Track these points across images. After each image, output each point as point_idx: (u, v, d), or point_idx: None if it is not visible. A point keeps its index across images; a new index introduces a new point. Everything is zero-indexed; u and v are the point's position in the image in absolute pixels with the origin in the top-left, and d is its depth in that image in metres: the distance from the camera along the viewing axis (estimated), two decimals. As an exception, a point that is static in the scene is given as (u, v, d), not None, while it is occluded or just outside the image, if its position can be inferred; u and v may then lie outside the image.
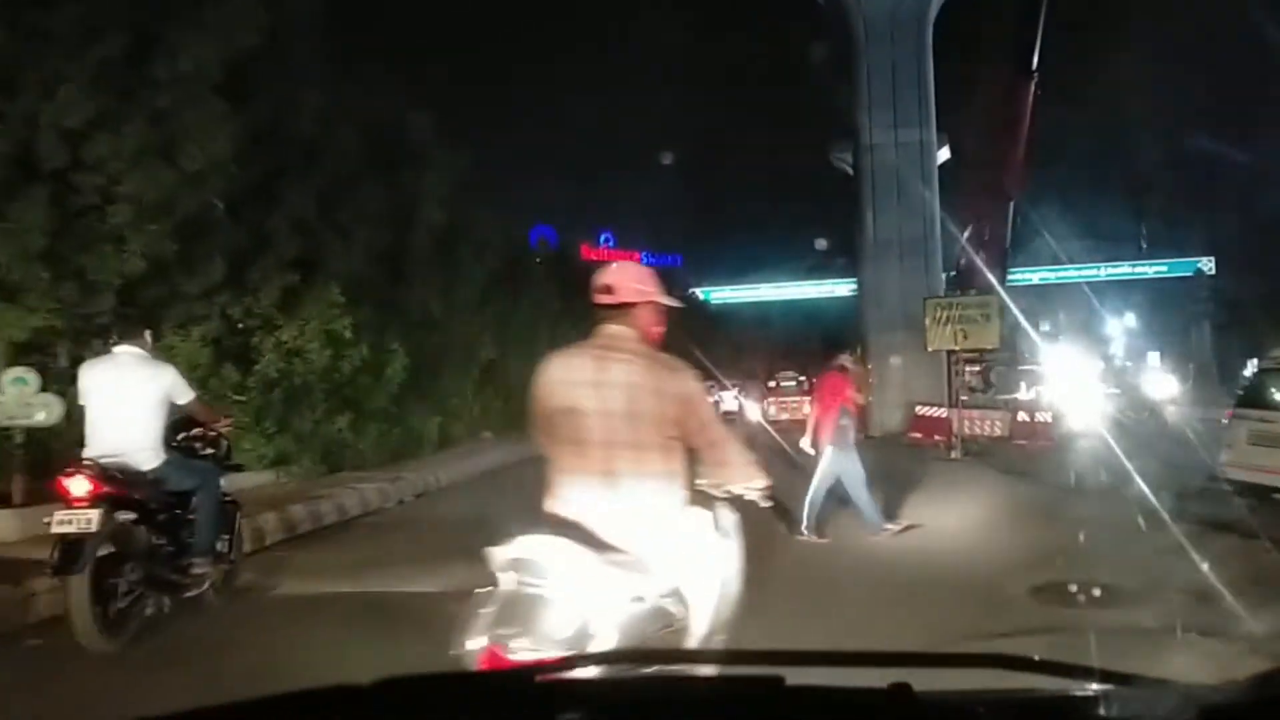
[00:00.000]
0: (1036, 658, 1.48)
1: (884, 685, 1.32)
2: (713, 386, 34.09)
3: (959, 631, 6.54)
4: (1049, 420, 22.70)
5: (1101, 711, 1.39)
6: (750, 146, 75.97)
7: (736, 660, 1.77)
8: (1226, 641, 6.14)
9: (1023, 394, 27.39)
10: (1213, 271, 46.90)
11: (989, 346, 22.20)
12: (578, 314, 32.88)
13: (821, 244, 48.46)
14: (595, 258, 64.08)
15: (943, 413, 23.53)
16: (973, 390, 29.48)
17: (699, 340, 43.59)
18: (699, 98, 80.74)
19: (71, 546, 6.10)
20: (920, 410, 24.43)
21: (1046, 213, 40.86)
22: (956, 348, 20.77)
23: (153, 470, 6.78)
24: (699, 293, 56.16)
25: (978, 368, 30.12)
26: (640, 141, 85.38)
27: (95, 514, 6.19)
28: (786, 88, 58.46)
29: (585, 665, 1.60)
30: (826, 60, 33.04)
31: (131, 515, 6.58)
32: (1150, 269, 47.57)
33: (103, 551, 6.28)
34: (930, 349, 21.82)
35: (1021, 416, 23.20)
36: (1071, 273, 45.88)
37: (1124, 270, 47.76)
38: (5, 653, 6.26)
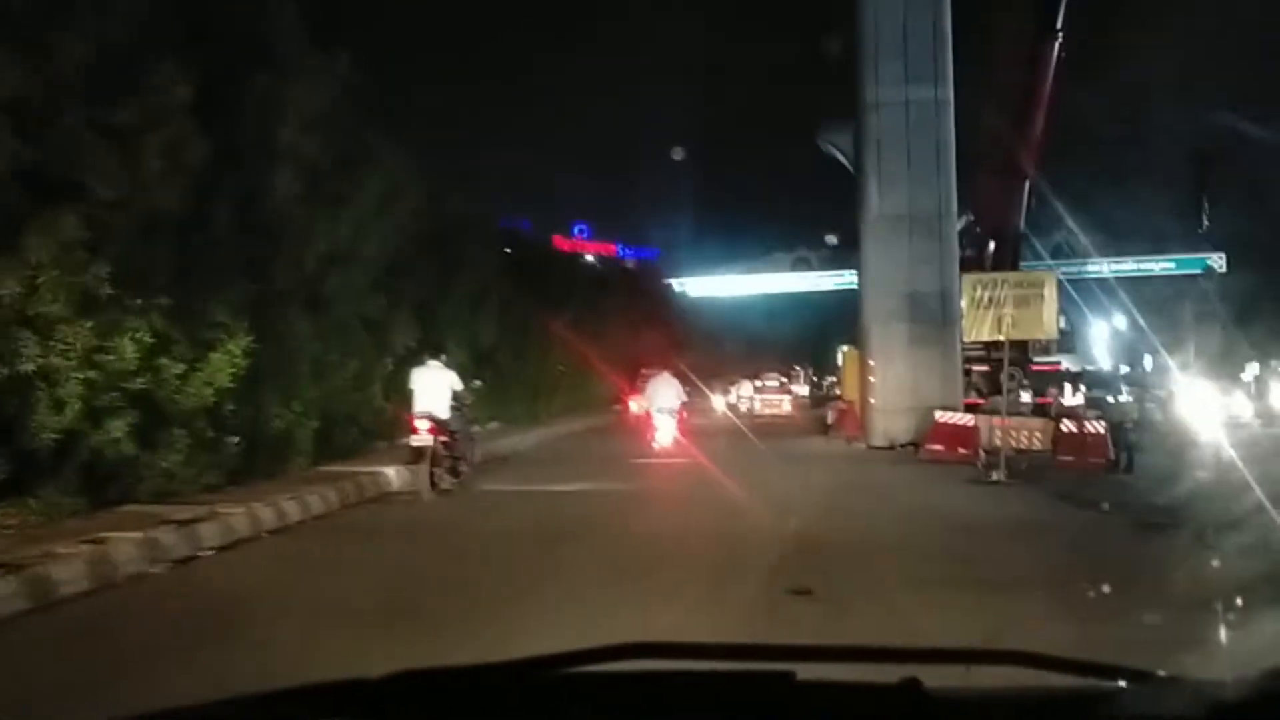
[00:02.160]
0: (1047, 654, 1.39)
1: (895, 681, 1.28)
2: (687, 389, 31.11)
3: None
4: (1101, 432, 17.24)
5: (1114, 708, 1.35)
6: (735, 136, 70.65)
7: (747, 655, 1.46)
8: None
9: (1068, 399, 21.86)
10: (1224, 269, 41.70)
11: (1043, 337, 16.75)
12: (535, 300, 27.50)
13: (832, 239, 43.24)
14: (569, 249, 58.90)
15: (970, 421, 18.10)
16: (979, 393, 24.13)
17: (676, 335, 38.95)
18: (682, 88, 75.41)
19: (419, 451, 12.64)
20: (941, 417, 18.94)
21: (1054, 201, 35.74)
22: (1003, 337, 15.28)
23: (446, 419, 12.98)
24: (675, 285, 50.73)
25: (985, 366, 24.73)
26: (622, 134, 79.93)
27: (430, 437, 12.65)
28: (776, 66, 53.03)
29: (595, 658, 1.34)
30: (822, 18, 27.78)
31: (442, 439, 12.90)
32: (1158, 265, 42.34)
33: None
34: (969, 339, 16.34)
35: (1066, 426, 17.72)
36: (1074, 268, 40.48)
37: (1129, 266, 42.48)
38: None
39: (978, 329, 15.37)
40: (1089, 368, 34.44)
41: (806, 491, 14.08)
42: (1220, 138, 36.97)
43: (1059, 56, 24.54)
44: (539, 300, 27.23)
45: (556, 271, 31.02)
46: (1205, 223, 37.11)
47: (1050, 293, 14.87)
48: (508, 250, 29.58)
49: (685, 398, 20.60)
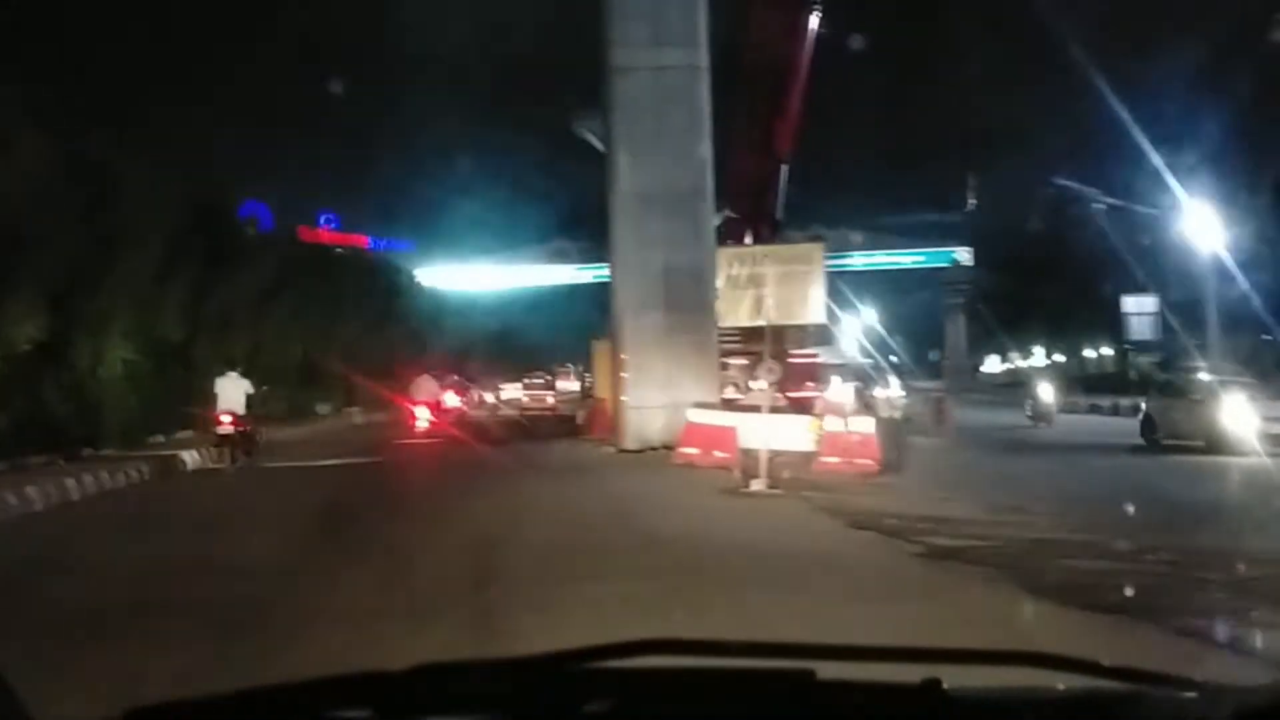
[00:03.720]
0: (1070, 656, 1.37)
1: (915, 680, 1.25)
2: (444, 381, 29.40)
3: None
4: (871, 431, 15.13)
5: (1135, 712, 1.33)
6: (494, 127, 67.16)
7: (767, 652, 1.41)
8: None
9: (834, 394, 19.63)
10: (970, 262, 41.86)
11: (809, 321, 14.32)
12: (242, 290, 23.22)
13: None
14: (315, 240, 54.08)
15: (727, 420, 15.63)
16: (736, 388, 21.92)
17: (427, 330, 35.62)
18: (431, 69, 71.17)
19: (224, 438, 16.92)
20: (695, 417, 16.38)
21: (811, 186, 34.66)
22: (763, 322, 12.77)
23: (241, 415, 16.84)
24: (424, 277, 46.99)
25: (745, 360, 22.60)
26: (375, 121, 74.70)
27: (231, 427, 16.75)
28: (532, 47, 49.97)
29: (616, 654, 1.33)
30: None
31: (240, 429, 16.95)
32: (908, 258, 42.02)
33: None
34: (724, 323, 13.72)
35: (832, 426, 15.48)
36: (831, 260, 39.49)
37: (882, 259, 41.94)
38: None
39: (735, 312, 12.84)
40: (844, 361, 33.19)
41: (527, 513, 11.10)
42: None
43: (817, 31, 22.81)
44: (247, 290, 23.17)
45: (276, 259, 26.76)
46: (972, 203, 36.82)
47: (818, 269, 12.49)
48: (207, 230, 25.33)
49: (443, 393, 27.03)
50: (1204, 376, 20.30)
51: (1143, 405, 21.29)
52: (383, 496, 13.69)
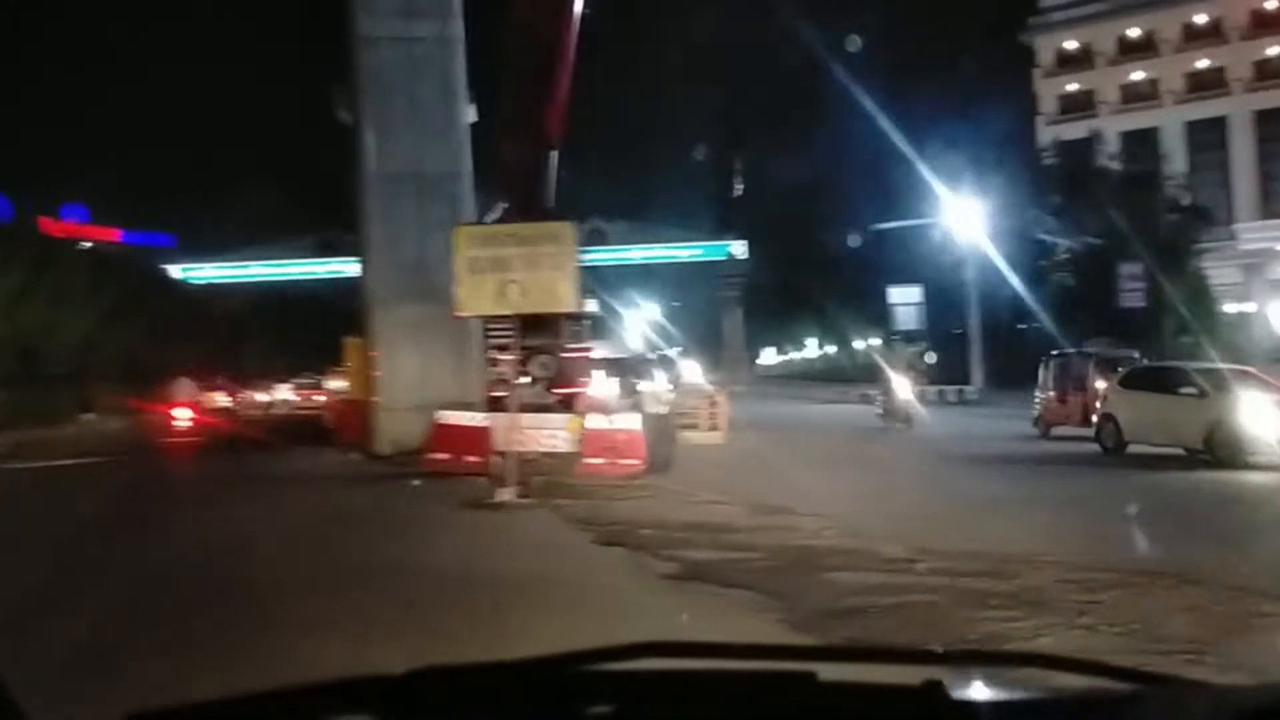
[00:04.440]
0: (1071, 657, 1.37)
1: (917, 682, 1.20)
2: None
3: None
4: (636, 429, 13.81)
5: (1137, 712, 1.29)
6: (258, 110, 62.82)
7: (768, 655, 1.43)
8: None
9: (596, 390, 18.21)
10: (745, 255, 41.64)
11: (563, 309, 12.72)
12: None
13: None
14: (60, 234, 49.12)
15: (480, 421, 14.01)
16: (505, 384, 20.23)
17: (188, 329, 32.35)
18: (196, 59, 66.20)
19: None
20: (444, 418, 14.65)
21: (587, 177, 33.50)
22: (509, 311, 11.17)
23: None
24: (178, 271, 43.07)
25: (512, 355, 20.94)
26: (131, 105, 68.72)
27: None
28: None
29: (616, 656, 1.30)
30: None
31: None
32: (686, 252, 41.37)
33: None
34: (462, 312, 11.86)
35: (595, 423, 14.06)
36: (608, 254, 38.33)
37: (660, 253, 41.12)
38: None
39: (477, 299, 11.11)
40: (622, 355, 32.07)
41: (217, 538, 9.12)
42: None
43: (583, 12, 21.46)
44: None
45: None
46: (739, 189, 36.44)
47: (569, 250, 11.01)
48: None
49: (204, 394, 27.57)
50: (1209, 366, 16.34)
51: (1097, 405, 17.25)
52: (49, 524, 10.73)
